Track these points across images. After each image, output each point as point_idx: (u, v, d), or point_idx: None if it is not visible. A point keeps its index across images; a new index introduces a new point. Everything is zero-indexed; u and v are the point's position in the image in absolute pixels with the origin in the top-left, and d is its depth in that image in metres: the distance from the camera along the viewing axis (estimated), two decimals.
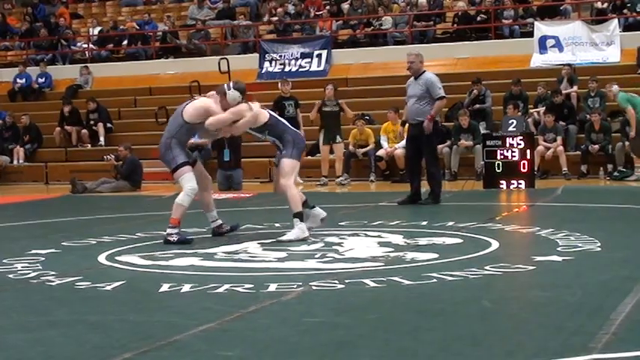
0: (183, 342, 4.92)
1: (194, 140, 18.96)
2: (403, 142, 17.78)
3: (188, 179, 9.02)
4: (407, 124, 13.09)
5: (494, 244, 8.36)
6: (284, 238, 8.91)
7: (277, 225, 10.36)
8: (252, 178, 18.43)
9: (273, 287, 6.40)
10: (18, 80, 24.94)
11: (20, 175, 21.31)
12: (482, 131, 17.42)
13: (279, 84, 18.24)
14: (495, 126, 18.02)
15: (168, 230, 8.94)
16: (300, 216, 9.04)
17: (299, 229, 8.95)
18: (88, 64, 25.16)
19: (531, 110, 18.59)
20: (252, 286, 6.46)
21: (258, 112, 9.24)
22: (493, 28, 22.47)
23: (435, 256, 7.68)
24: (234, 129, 9.34)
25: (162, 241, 9.05)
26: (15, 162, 21.43)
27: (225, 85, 9.26)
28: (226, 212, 12.49)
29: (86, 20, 28.33)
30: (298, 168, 9.44)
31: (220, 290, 6.37)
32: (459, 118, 17.87)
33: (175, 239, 8.87)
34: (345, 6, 24.59)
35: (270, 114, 9.43)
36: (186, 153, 9.19)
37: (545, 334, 4.90)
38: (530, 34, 21.64)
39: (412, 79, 12.61)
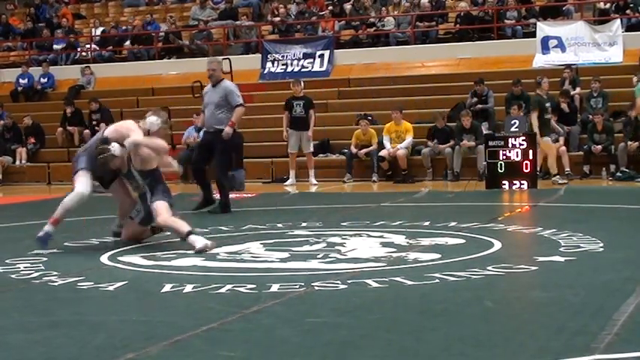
0: (186, 342, 4.91)
1: (196, 139, 18.98)
2: (405, 143, 17.88)
3: (83, 182, 8.87)
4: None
5: (497, 245, 8.35)
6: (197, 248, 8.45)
7: (280, 225, 10.36)
8: (254, 178, 18.43)
9: (275, 287, 6.39)
10: (20, 81, 24.98)
11: (23, 175, 21.33)
12: (485, 131, 17.42)
13: (291, 84, 18.21)
14: (498, 126, 18.02)
15: (48, 228, 8.75)
16: (191, 233, 8.56)
17: (199, 239, 8.50)
18: (91, 65, 25.18)
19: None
20: (254, 286, 6.45)
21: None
22: (495, 28, 22.47)
23: (438, 256, 7.67)
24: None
25: (164, 241, 9.07)
26: (17, 162, 21.45)
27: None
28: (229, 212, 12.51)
29: (89, 21, 28.36)
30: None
31: (223, 290, 6.36)
32: (462, 118, 17.86)
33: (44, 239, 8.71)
34: (348, 6, 24.59)
35: None
36: (91, 163, 8.92)
37: (548, 334, 4.90)
38: (533, 35, 21.63)
39: (210, 86, 12.47)
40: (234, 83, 12.55)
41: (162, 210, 8.79)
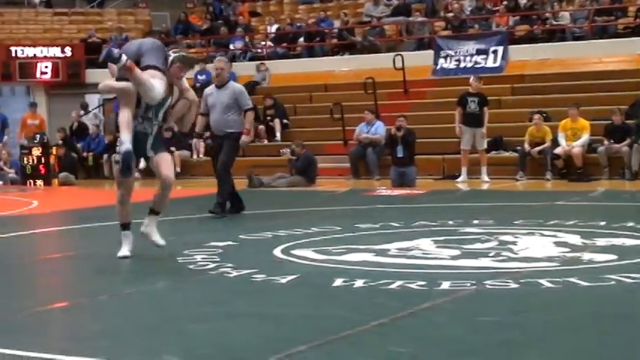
0: (356, 337, 4.96)
1: (367, 135, 19.08)
2: (581, 141, 17.44)
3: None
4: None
5: None
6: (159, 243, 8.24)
7: (450, 222, 10.30)
8: (425, 175, 18.37)
9: (446, 285, 6.37)
10: (199, 77, 25.69)
11: (200, 169, 21.85)
12: None
13: (471, 79, 18.10)
14: None
15: None
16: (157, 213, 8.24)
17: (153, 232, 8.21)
18: (266, 61, 25.67)
19: None
20: (425, 283, 6.45)
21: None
22: None
23: (614, 257, 7.47)
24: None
25: (336, 236, 9.16)
26: (195, 156, 22.06)
27: None
28: (398, 209, 12.55)
29: (264, 18, 28.95)
30: None
31: (393, 286, 6.38)
32: None
33: None
34: (523, 1, 24.19)
35: None
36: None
37: None
38: None
39: (213, 87, 11.81)
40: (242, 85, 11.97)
41: (170, 163, 8.21)
